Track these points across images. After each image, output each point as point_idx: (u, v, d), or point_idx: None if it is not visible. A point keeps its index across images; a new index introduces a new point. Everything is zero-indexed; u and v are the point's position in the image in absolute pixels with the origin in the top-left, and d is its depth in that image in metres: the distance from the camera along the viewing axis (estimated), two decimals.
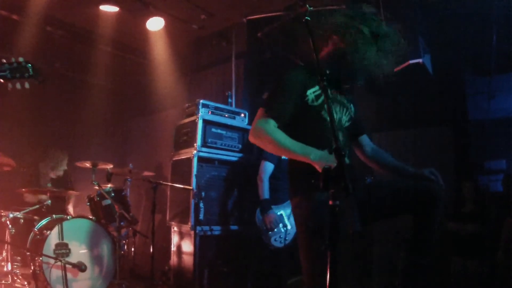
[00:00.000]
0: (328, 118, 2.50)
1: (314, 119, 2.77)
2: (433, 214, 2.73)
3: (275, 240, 4.84)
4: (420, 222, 2.76)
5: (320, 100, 2.75)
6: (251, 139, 2.71)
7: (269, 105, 2.73)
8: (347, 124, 2.99)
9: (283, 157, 4.80)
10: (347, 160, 2.84)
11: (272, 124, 2.64)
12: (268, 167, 5.02)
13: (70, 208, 6.46)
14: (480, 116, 5.77)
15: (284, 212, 4.95)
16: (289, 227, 4.88)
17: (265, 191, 4.96)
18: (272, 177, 5.03)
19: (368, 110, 6.03)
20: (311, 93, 2.77)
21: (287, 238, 4.86)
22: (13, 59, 3.27)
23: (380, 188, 2.90)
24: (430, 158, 5.91)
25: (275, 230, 4.83)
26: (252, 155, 5.74)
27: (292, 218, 4.90)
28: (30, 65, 3.29)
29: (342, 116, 2.95)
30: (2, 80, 3.24)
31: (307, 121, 2.77)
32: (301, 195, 2.72)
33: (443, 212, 2.78)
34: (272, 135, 2.59)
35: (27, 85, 3.32)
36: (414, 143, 6.08)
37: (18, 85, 3.28)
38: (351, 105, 3.05)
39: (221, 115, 5.64)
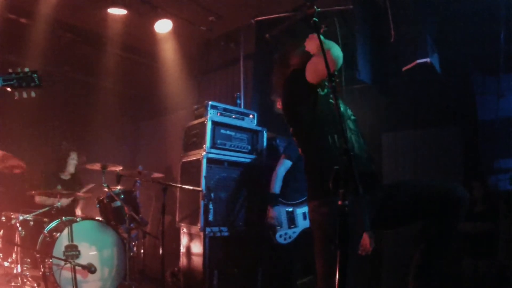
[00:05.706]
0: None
1: (325, 107, 2.82)
2: (458, 216, 2.72)
3: (279, 236, 4.91)
4: (443, 223, 2.75)
5: (325, 90, 2.83)
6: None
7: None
8: (353, 117, 3.03)
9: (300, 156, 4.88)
10: (364, 155, 2.87)
11: None
12: (286, 165, 5.05)
13: (79, 211, 6.50)
14: (489, 115, 5.74)
15: (296, 210, 4.98)
16: (296, 226, 4.94)
17: (276, 185, 4.99)
18: (287, 173, 5.07)
19: (377, 110, 6.04)
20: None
21: (291, 237, 4.95)
22: (19, 69, 3.38)
23: (404, 189, 2.90)
24: (439, 158, 5.89)
25: (282, 226, 4.90)
26: (262, 156, 5.74)
27: (302, 218, 4.93)
28: (36, 75, 3.38)
29: (347, 109, 3.02)
30: (9, 89, 3.35)
31: (319, 109, 2.81)
32: (319, 199, 2.73)
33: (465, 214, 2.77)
34: None
35: (33, 94, 3.42)
36: (422, 143, 6.06)
37: (24, 94, 3.40)
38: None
39: (230, 117, 5.63)
